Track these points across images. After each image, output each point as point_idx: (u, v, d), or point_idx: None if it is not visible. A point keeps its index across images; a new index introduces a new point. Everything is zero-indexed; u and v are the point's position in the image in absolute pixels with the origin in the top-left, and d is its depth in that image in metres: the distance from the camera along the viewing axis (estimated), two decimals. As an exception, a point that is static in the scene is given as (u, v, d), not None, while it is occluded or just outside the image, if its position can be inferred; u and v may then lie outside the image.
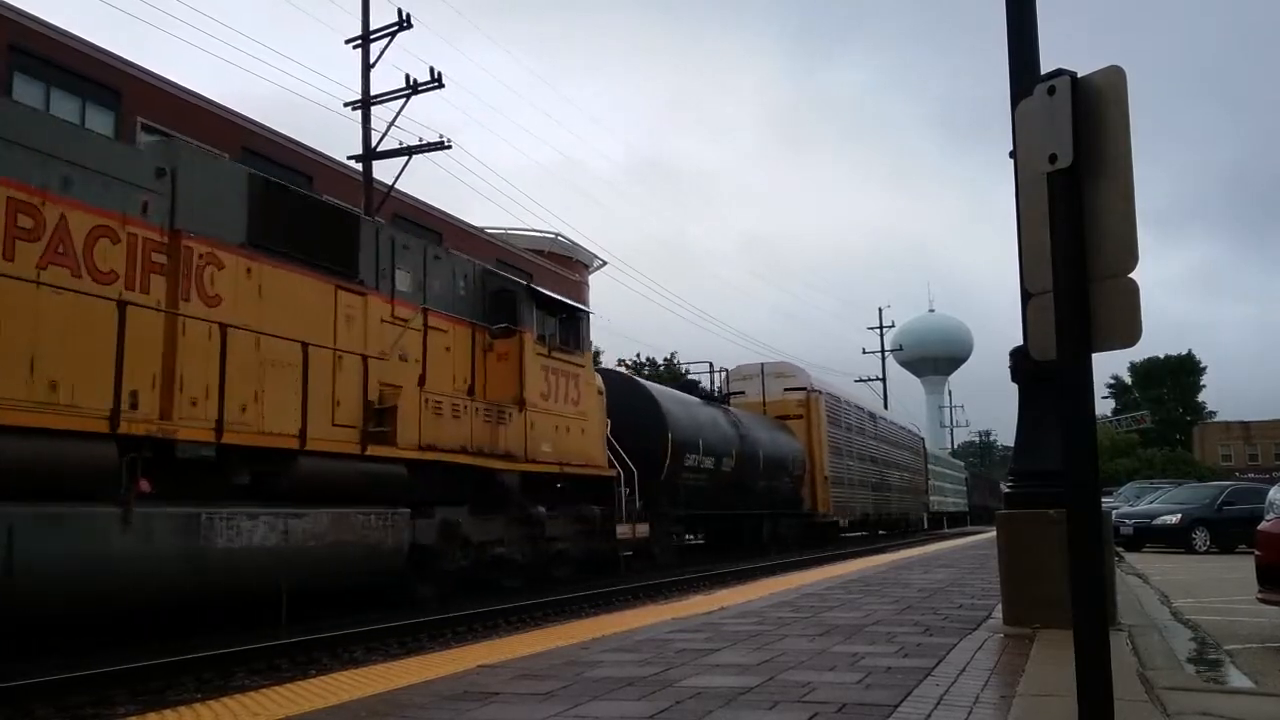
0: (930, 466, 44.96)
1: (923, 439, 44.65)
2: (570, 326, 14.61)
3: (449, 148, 21.16)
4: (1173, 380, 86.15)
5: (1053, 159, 2.83)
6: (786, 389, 26.81)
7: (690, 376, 28.12)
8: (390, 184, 21.72)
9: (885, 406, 56.15)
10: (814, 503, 26.09)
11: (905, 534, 36.05)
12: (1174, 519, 19.96)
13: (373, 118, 21.00)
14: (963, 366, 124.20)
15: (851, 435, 29.82)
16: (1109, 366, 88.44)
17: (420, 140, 21.18)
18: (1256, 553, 6.62)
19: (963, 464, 67.39)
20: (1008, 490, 5.92)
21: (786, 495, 24.38)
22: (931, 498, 44.03)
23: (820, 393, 27.31)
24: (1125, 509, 22.40)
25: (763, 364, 28.07)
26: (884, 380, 55.71)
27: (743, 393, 26.38)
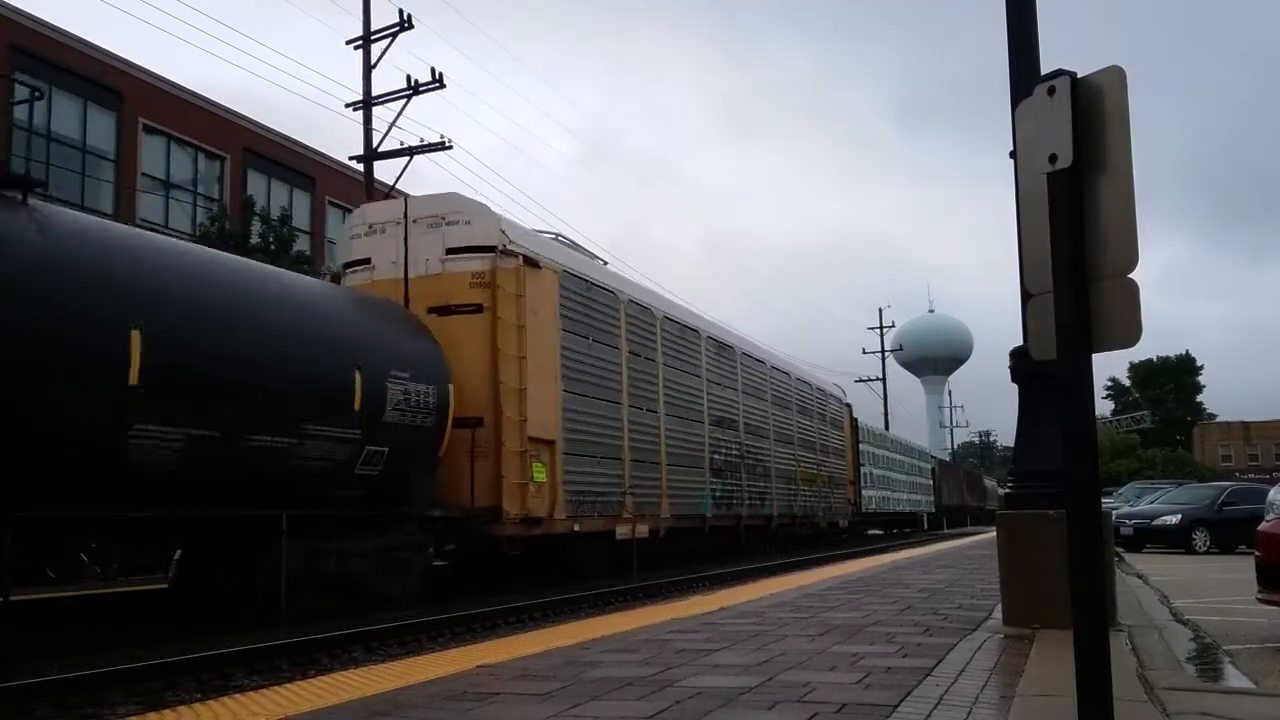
0: (866, 448, 32.40)
1: (849, 406, 30.49)
2: None
3: (449, 148, 21.18)
4: (1171, 381, 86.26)
5: (1053, 159, 2.83)
6: (451, 250, 13.02)
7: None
8: (391, 184, 21.73)
9: (885, 408, 55.00)
10: (490, 495, 12.20)
11: (816, 548, 23.88)
12: (1174, 519, 19.97)
13: (373, 118, 21.02)
14: (963, 366, 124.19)
15: (646, 363, 16.32)
16: (1108, 367, 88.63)
17: (421, 140, 21.21)
18: (1256, 553, 6.63)
19: (926, 450, 50.44)
20: (1008, 490, 5.93)
21: (348, 476, 10.32)
22: (866, 493, 31.60)
23: (528, 259, 13.20)
24: (1125, 509, 22.40)
25: (407, 198, 14.67)
26: (884, 380, 55.58)
27: (367, 262, 13.38)
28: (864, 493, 31.19)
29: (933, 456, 49.74)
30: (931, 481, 45.26)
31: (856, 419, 31.55)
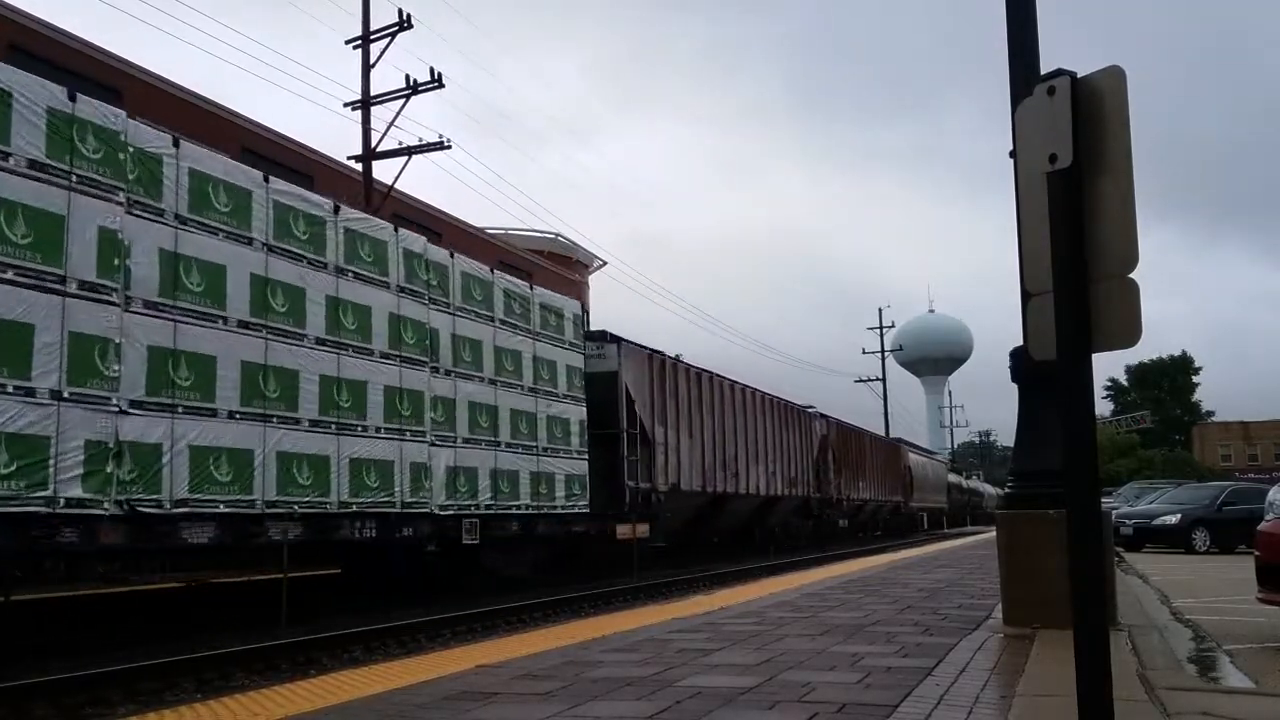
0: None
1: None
2: None
3: (448, 148, 21.17)
4: (1169, 381, 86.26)
5: (1053, 159, 2.83)
6: None
7: None
8: (390, 184, 21.73)
9: (885, 408, 54.37)
10: None
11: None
12: (1174, 519, 19.94)
13: (372, 118, 21.01)
14: (963, 366, 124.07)
15: None
16: (1107, 368, 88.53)
17: (420, 140, 21.19)
18: (1256, 553, 6.62)
19: (557, 306, 14.25)
20: (1008, 490, 5.93)
21: None
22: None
23: None
24: (1125, 509, 22.39)
25: None
26: (884, 380, 55.41)
27: None
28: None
29: (612, 335, 16.55)
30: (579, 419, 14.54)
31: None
